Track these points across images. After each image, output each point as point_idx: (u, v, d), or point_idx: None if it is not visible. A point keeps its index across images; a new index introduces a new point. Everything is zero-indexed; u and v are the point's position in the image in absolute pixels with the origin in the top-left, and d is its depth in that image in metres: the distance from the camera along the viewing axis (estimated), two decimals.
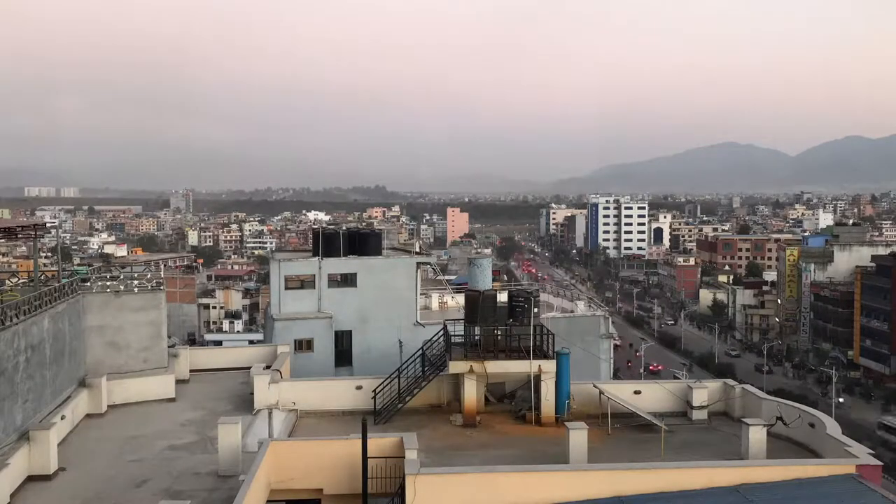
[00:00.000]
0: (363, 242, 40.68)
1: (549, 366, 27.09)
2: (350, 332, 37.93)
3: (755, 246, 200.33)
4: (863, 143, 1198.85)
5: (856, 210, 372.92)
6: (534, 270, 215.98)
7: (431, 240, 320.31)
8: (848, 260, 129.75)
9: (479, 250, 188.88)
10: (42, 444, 22.11)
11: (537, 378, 27.07)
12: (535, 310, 30.02)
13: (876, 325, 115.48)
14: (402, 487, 19.11)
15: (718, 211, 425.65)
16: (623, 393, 28.07)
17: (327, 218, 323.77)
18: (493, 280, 49.60)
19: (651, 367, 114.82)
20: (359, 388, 28.61)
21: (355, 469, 20.29)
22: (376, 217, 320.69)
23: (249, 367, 31.27)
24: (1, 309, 22.70)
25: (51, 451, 22.28)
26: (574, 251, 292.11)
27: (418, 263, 40.06)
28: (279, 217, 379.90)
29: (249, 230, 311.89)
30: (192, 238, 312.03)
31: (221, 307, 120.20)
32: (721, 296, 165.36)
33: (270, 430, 26.56)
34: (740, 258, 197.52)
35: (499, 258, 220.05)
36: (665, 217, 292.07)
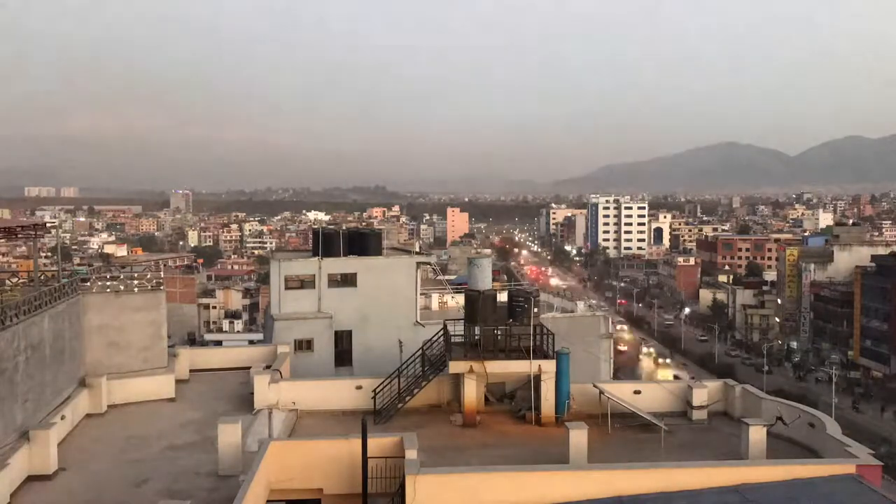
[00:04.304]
0: (363, 242, 40.63)
1: (549, 366, 27.07)
2: (350, 332, 37.89)
3: (755, 246, 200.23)
4: (863, 143, 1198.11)
5: (856, 210, 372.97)
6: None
7: (431, 240, 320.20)
8: (848, 260, 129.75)
9: (479, 250, 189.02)
10: (42, 444, 22.11)
11: (537, 378, 27.06)
12: (535, 310, 30.00)
13: (876, 325, 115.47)
14: (402, 487, 19.09)
15: (718, 211, 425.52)
16: (623, 393, 28.05)
17: (327, 218, 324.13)
18: (493, 280, 49.56)
19: None
20: (359, 388, 28.59)
21: (355, 469, 20.28)
22: (376, 217, 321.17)
23: (249, 367, 31.26)
24: (1, 309, 22.71)
25: (51, 451, 22.28)
26: (574, 251, 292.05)
27: (418, 263, 40.05)
28: (279, 217, 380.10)
29: (249, 230, 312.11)
30: (192, 238, 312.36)
31: (221, 307, 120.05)
32: (721, 296, 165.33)
33: (270, 430, 26.52)
34: (740, 258, 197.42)
35: (499, 258, 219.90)
36: (665, 217, 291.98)
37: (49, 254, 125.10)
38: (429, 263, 45.45)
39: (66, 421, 25.54)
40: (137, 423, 27.12)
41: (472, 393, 27.17)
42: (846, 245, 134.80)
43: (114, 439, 25.44)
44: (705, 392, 28.07)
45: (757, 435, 22.94)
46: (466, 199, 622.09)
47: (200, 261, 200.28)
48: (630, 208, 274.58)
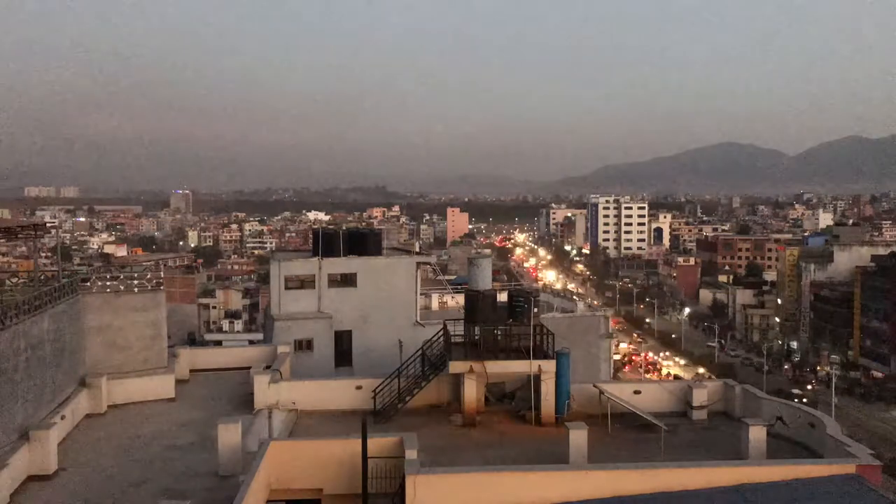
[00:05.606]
0: (363, 242, 40.65)
1: (548, 366, 27.06)
2: (350, 332, 37.92)
3: (755, 246, 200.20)
4: (863, 143, 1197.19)
5: (856, 210, 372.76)
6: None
7: (431, 240, 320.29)
8: (848, 260, 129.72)
9: (479, 250, 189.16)
10: (42, 444, 22.12)
11: (537, 378, 27.05)
12: (535, 310, 29.99)
13: (876, 325, 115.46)
14: (402, 487, 19.09)
15: (718, 211, 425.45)
16: (623, 393, 28.07)
17: (327, 218, 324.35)
18: (493, 280, 49.58)
19: None
20: (359, 388, 28.60)
21: (355, 469, 20.27)
22: (376, 217, 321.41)
23: (249, 367, 31.27)
24: (1, 309, 22.70)
25: (51, 451, 22.29)
26: (574, 251, 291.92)
27: (418, 263, 40.05)
28: (279, 217, 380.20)
29: (249, 230, 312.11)
30: (192, 238, 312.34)
31: (221, 307, 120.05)
32: (721, 296, 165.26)
33: (270, 430, 26.55)
34: (740, 258, 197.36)
35: (499, 258, 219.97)
36: (665, 217, 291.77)
37: (49, 254, 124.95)
38: (429, 263, 45.48)
39: (66, 421, 25.54)
40: (137, 423, 27.12)
41: (472, 393, 27.17)
42: (846, 245, 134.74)
43: (114, 439, 25.44)
44: (705, 392, 28.09)
45: (757, 435, 22.95)
46: (466, 199, 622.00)
47: (200, 261, 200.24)
48: (630, 208, 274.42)
